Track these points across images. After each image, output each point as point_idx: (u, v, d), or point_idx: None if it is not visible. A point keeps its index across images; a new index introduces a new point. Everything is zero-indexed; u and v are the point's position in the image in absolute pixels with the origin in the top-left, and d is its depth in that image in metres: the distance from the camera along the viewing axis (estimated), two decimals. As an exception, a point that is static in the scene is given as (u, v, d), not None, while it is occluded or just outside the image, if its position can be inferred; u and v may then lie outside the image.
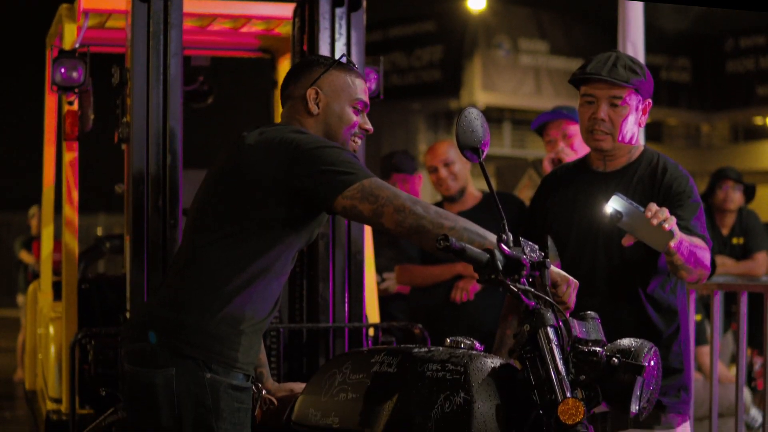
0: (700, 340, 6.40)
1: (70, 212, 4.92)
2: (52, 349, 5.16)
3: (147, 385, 3.06)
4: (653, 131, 19.65)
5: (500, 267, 2.91)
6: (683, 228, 3.67)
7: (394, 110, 18.12)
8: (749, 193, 7.89)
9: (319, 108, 3.28)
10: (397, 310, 6.14)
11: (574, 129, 5.38)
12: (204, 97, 6.21)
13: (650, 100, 3.92)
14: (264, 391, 3.40)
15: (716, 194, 7.79)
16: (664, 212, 3.48)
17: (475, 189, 5.77)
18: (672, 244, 3.50)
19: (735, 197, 7.76)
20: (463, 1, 16.70)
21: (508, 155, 18.90)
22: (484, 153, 3.09)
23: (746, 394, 6.80)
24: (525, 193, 7.59)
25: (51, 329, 5.28)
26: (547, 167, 5.43)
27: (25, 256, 12.52)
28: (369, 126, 3.35)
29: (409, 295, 5.91)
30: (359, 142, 3.35)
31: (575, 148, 5.38)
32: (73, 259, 4.84)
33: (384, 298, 6.05)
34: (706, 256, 3.70)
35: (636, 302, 3.85)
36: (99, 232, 21.25)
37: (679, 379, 3.87)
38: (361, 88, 3.33)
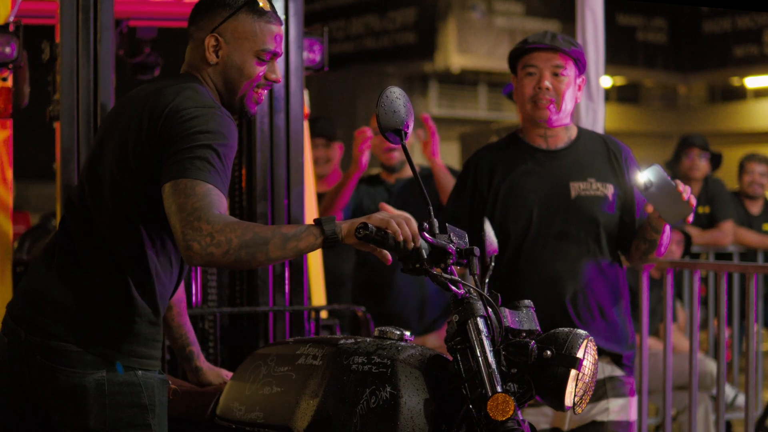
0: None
1: (4, 193, 4.74)
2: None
3: (74, 387, 2.88)
4: (630, 93, 19.54)
5: (425, 256, 2.78)
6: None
7: (369, 74, 17.93)
8: (715, 161, 7.78)
9: (218, 57, 2.97)
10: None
11: None
12: (151, 69, 6.02)
13: (584, 77, 4.00)
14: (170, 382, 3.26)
15: (682, 162, 7.68)
16: (689, 188, 3.72)
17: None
18: (690, 218, 3.80)
19: (701, 165, 7.65)
20: (436, -37, 16.52)
21: (483, 119, 18.76)
22: (407, 135, 2.93)
23: (715, 367, 6.69)
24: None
25: (-8, 311, 5.11)
26: None
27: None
28: (276, 76, 3.03)
29: (354, 273, 5.81)
30: (264, 93, 3.05)
31: None
32: (7, 241, 4.67)
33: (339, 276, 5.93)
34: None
35: (610, 275, 3.91)
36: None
37: (632, 352, 3.97)
38: (270, 35, 2.98)
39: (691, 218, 3.83)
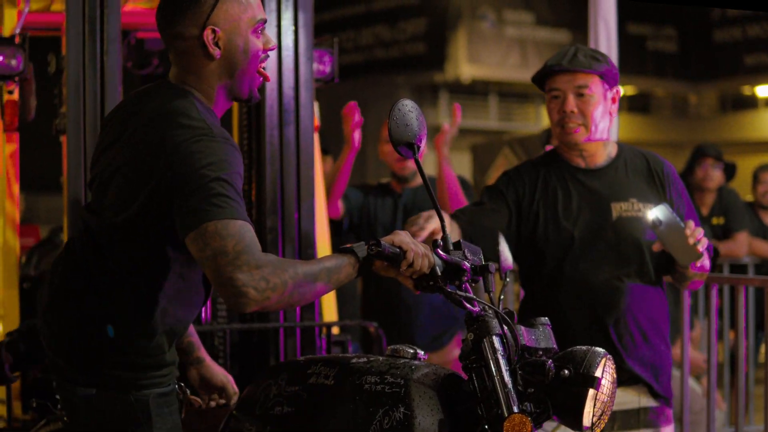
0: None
1: (10, 207, 4.68)
2: (-1, 349, 4.94)
3: (66, 401, 2.84)
4: (640, 102, 19.48)
5: (439, 273, 2.71)
6: None
7: (379, 85, 17.88)
8: (729, 171, 7.68)
9: (220, 47, 2.73)
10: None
11: None
12: (159, 81, 5.97)
13: (618, 89, 3.83)
14: (188, 391, 3.17)
15: (695, 172, 7.58)
16: (700, 232, 3.55)
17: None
18: (698, 264, 3.62)
19: (715, 175, 7.54)
20: (445, -28, 16.48)
21: (494, 129, 18.70)
22: (420, 149, 2.85)
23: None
24: (500, 172, 7.39)
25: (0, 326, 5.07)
26: None
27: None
28: (273, 43, 2.84)
29: (363, 291, 5.73)
30: (265, 66, 2.86)
31: None
32: (13, 256, 4.62)
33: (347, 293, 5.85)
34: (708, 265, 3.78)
35: (653, 300, 3.81)
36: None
37: (669, 381, 3.86)
38: (258, 2, 2.80)
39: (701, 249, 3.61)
